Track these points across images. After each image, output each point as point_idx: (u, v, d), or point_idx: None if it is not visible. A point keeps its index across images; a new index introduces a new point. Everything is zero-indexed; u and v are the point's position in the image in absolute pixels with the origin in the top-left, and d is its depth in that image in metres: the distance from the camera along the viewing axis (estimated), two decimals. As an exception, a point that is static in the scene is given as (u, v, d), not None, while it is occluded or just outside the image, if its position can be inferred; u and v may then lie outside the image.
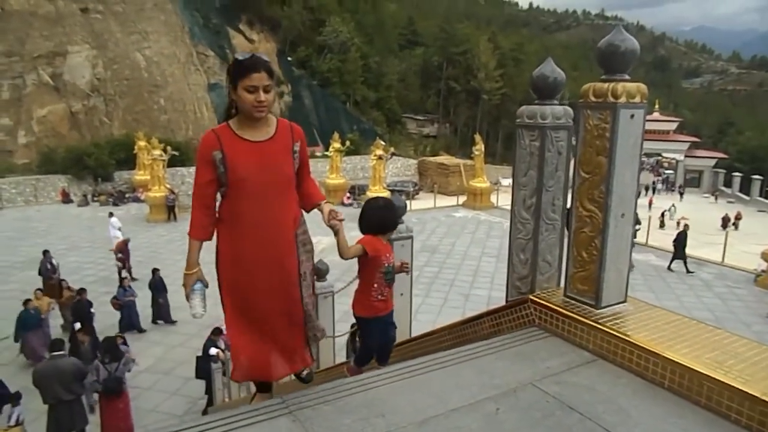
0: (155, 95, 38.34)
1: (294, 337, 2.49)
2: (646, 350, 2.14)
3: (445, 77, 57.40)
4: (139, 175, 28.72)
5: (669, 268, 17.65)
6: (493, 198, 28.29)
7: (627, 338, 2.22)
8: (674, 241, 17.83)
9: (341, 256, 2.65)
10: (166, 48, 39.69)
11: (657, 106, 51.55)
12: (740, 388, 1.85)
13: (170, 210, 23.32)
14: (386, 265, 2.81)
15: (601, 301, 2.46)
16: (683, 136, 49.00)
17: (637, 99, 2.32)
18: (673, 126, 49.19)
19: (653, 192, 41.13)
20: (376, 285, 2.80)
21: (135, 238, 18.47)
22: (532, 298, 2.69)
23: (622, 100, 2.28)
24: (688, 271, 17.33)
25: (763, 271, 16.66)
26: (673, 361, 2.05)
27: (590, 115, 2.39)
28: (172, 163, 27.17)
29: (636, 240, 20.71)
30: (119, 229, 17.34)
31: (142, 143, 28.09)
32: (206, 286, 2.43)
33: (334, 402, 1.99)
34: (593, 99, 2.37)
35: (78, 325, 9.86)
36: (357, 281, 2.91)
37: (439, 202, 28.19)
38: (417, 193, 33.07)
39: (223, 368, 9.23)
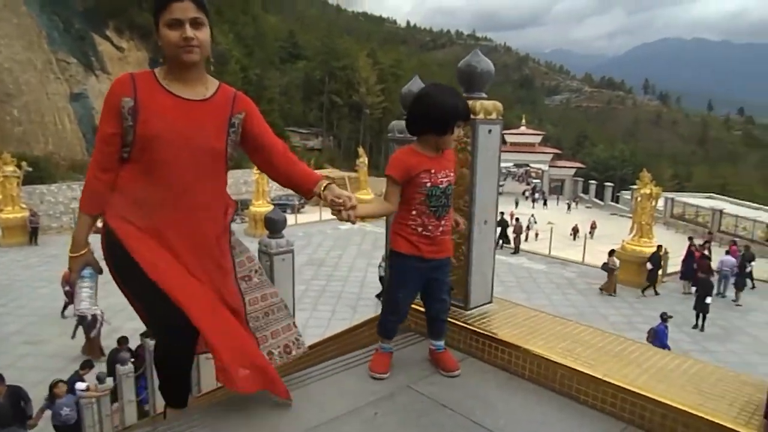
0: (7, 105, 34.50)
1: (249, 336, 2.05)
2: (509, 344, 2.34)
3: (328, 91, 57.87)
4: (-12, 195, 25.59)
5: (643, 293, 16.94)
6: (378, 209, 28.82)
7: (492, 335, 2.41)
8: (648, 260, 17.18)
9: (384, 213, 2.22)
10: (20, 53, 35.93)
11: (524, 121, 55.84)
12: (586, 372, 2.09)
13: (32, 233, 21.14)
14: (427, 184, 2.09)
15: (470, 302, 2.64)
16: (547, 148, 53.56)
17: (494, 115, 2.54)
18: (538, 139, 53.58)
19: (528, 199, 44.48)
20: (414, 212, 2.13)
21: (-15, 264, 16.47)
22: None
23: (481, 116, 2.49)
24: (656, 293, 16.90)
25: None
26: (532, 352, 2.26)
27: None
28: (30, 180, 24.59)
29: (510, 246, 22.26)
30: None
31: (-10, 159, 25.09)
32: (99, 272, 1.97)
33: (213, 425, 1.94)
34: (456, 115, 2.54)
35: None
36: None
37: (325, 215, 28.19)
38: (302, 207, 32.84)
39: (96, 403, 8.50)
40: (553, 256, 21.88)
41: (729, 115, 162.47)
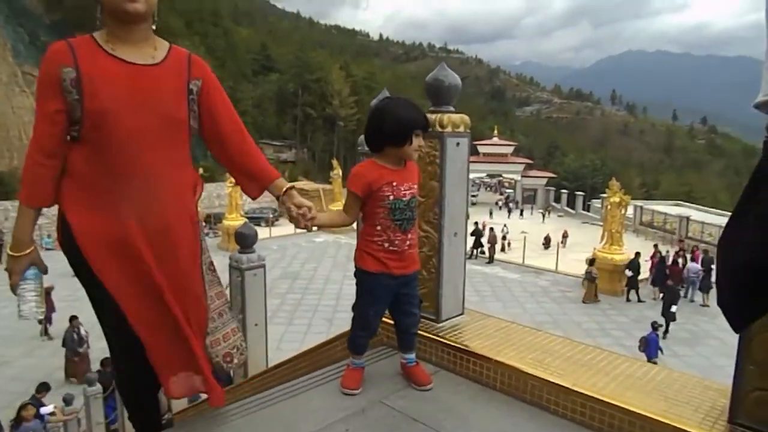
0: (-30, 120, 33.62)
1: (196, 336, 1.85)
2: (480, 356, 2.34)
3: (302, 103, 57.84)
4: (-51, 212, 24.78)
5: (628, 299, 17.29)
6: (352, 221, 28.84)
7: (464, 347, 2.41)
8: (626, 267, 17.45)
9: (340, 225, 2.20)
10: (-18, 67, 35.12)
11: (496, 132, 56.60)
12: (555, 382, 2.11)
13: (-4, 250, 20.57)
14: (390, 197, 2.04)
15: (441, 315, 2.64)
16: (519, 158, 54.34)
17: (462, 128, 2.57)
18: (511, 149, 54.34)
19: (502, 209, 44.97)
20: (379, 227, 2.07)
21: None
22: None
23: (448, 129, 2.51)
24: (639, 300, 17.18)
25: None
26: (503, 363, 2.27)
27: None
28: (-7, 197, 23.94)
29: (485, 256, 22.42)
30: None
31: (-49, 175, 24.34)
32: (44, 272, 1.76)
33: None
34: (423, 128, 2.56)
35: None
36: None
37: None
38: (277, 220, 32.66)
39: (64, 427, 8.25)
40: (527, 265, 22.14)
41: (693, 125, 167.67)
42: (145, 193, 1.69)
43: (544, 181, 51.93)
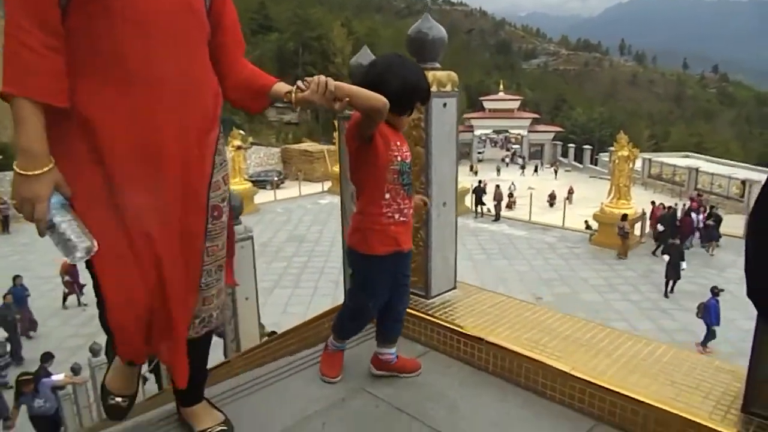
0: (-33, 90, 33.18)
1: (187, 292, 1.49)
2: (472, 337, 2.17)
3: (303, 63, 56.65)
4: (-46, 184, 24.79)
5: (655, 253, 16.57)
6: (357, 182, 28.65)
7: (455, 327, 2.24)
8: (658, 222, 16.89)
9: (379, 102, 1.58)
10: (-23, 35, 34.46)
11: (502, 87, 55.48)
12: (552, 365, 1.93)
13: (3, 221, 20.65)
14: (398, 158, 1.80)
15: (431, 290, 2.46)
16: (526, 113, 53.36)
17: (449, 87, 2.32)
18: (517, 104, 53.34)
19: (508, 166, 44.54)
20: (388, 195, 1.79)
21: (-46, 256, 16.01)
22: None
23: (434, 89, 2.26)
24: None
25: (595, 230, 18.80)
26: (496, 344, 2.09)
27: (405, 105, 2.35)
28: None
29: (491, 214, 22.25)
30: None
31: (-48, 147, 24.22)
32: (68, 197, 1.29)
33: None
34: (407, 88, 2.32)
35: None
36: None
37: (305, 190, 27.89)
38: (282, 182, 32.55)
39: (74, 394, 8.33)
40: (533, 222, 21.94)
41: (704, 73, 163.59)
42: (163, 93, 1.36)
43: (551, 135, 51.14)
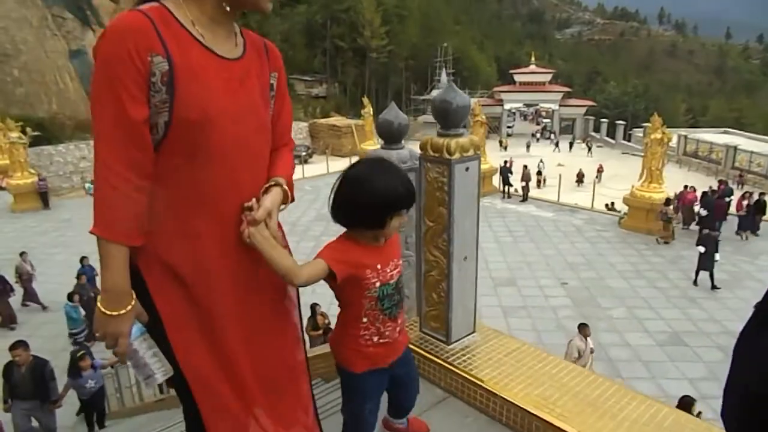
0: (6, 65, 34.02)
1: (297, 385, 1.64)
2: (487, 390, 2.35)
3: (331, 36, 56.25)
4: (-3, 160, 25.78)
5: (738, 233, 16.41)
6: (384, 159, 28.73)
7: (472, 378, 2.42)
8: (702, 206, 16.44)
9: (290, 280, 1.54)
10: (14, 11, 35.11)
11: (533, 59, 54.24)
12: (559, 426, 2.10)
13: (43, 197, 21.23)
14: (377, 284, 1.65)
15: (451, 337, 2.64)
16: (557, 86, 52.22)
17: (471, 152, 2.45)
18: (548, 77, 52.19)
19: (539, 141, 43.82)
20: (365, 320, 1.69)
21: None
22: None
23: (456, 156, 2.39)
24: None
25: (625, 213, 18.53)
26: (508, 400, 2.27)
27: (430, 168, 2.50)
28: (37, 141, 24.62)
29: (518, 194, 22.08)
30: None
31: (-4, 123, 25.10)
32: (146, 320, 1.37)
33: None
34: (431, 153, 2.46)
35: None
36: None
37: (333, 166, 28.07)
38: (310, 157, 32.69)
39: (116, 375, 8.79)
40: (561, 203, 21.75)
41: (748, 43, 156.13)
42: (234, 219, 1.41)
43: (583, 110, 50.03)
